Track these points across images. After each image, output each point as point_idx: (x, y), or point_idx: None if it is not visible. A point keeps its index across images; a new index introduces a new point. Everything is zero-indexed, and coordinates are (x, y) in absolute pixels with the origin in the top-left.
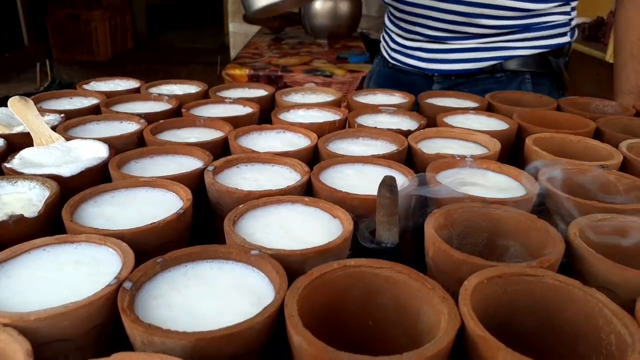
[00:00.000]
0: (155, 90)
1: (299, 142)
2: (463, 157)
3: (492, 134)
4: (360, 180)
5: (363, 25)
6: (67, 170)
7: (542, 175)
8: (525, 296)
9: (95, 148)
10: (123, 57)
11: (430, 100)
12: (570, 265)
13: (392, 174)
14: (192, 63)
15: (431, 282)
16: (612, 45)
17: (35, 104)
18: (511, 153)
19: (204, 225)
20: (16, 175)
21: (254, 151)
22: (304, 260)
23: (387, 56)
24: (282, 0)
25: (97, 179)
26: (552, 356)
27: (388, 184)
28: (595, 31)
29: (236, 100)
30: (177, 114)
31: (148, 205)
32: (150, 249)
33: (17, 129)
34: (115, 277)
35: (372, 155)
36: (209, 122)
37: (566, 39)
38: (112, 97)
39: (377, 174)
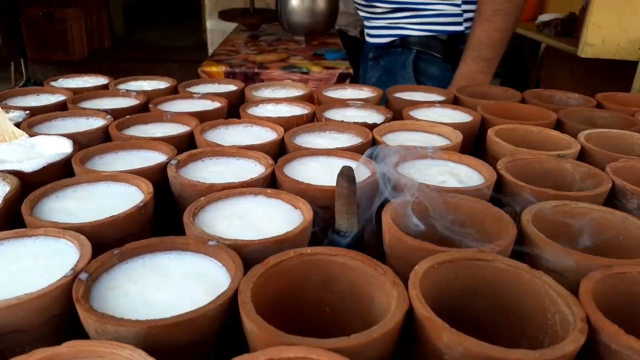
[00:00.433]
0: (123, 86)
1: (266, 136)
2: (425, 149)
3: (455, 126)
4: (324, 173)
5: (341, 22)
6: (29, 166)
7: (500, 165)
8: (476, 280)
9: (59, 144)
10: (100, 56)
11: (398, 94)
12: (523, 250)
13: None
14: (170, 60)
15: (383, 267)
16: (583, 40)
17: (1, 101)
18: (476, 144)
19: (168, 219)
20: None
21: (219, 145)
22: (262, 250)
23: None
24: None
25: (60, 174)
26: (503, 338)
27: (346, 174)
28: (568, 27)
29: (205, 95)
30: (145, 109)
31: (110, 199)
32: (111, 242)
33: None
34: (72, 269)
35: (336, 147)
36: (176, 117)
37: (459, 27)
38: (80, 94)
39: (341, 166)
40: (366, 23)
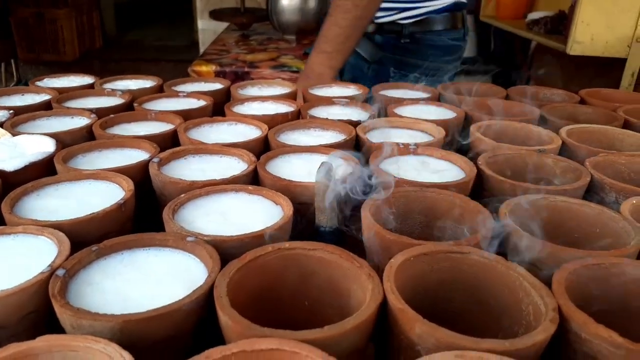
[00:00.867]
0: (109, 85)
1: (251, 133)
2: (407, 145)
3: (438, 122)
4: (307, 169)
5: None
6: (11, 165)
7: (480, 160)
8: (452, 273)
9: (42, 143)
10: (91, 57)
11: (383, 92)
12: (502, 242)
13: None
14: (162, 61)
15: (359, 261)
16: (572, 37)
17: None
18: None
19: (151, 217)
20: None
21: (202, 143)
22: (241, 245)
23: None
24: None
25: (42, 173)
26: (479, 330)
27: (325, 170)
28: (557, 25)
29: (190, 93)
30: (130, 108)
31: (91, 197)
32: (92, 240)
33: None
34: (49, 265)
35: (319, 145)
36: (160, 116)
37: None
38: (65, 93)
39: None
40: None
